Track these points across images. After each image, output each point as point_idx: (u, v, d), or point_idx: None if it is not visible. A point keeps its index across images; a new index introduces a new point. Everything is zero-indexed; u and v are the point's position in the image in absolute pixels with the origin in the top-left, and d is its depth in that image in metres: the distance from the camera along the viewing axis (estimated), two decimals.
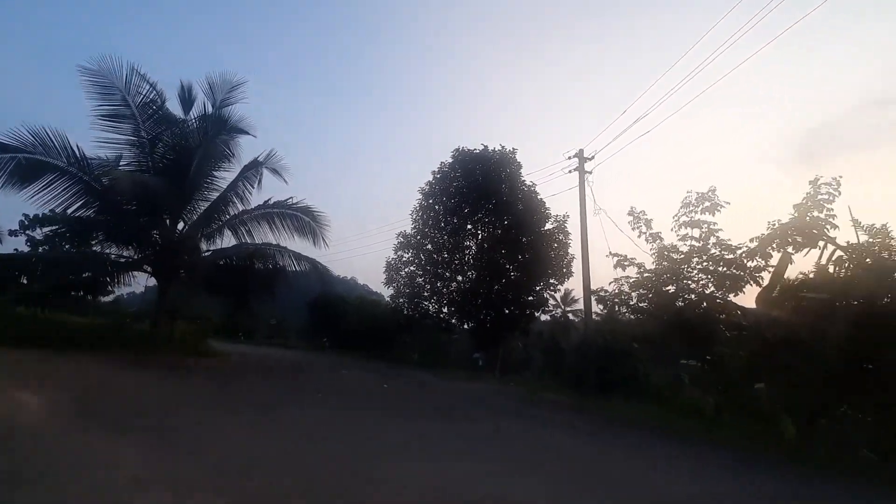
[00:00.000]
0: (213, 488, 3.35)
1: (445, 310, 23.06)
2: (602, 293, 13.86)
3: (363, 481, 3.92)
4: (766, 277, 10.31)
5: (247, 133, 14.72)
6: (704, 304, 11.12)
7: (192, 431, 5.05)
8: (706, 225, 11.23)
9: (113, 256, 14.13)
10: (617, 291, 13.00)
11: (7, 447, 3.82)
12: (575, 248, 20.83)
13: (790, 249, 9.69)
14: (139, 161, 13.74)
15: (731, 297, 10.85)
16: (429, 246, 22.79)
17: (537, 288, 21.32)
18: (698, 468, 6.47)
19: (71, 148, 12.10)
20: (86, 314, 19.70)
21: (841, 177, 9.33)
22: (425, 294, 23.18)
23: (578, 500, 4.25)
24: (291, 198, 14.36)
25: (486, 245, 21.56)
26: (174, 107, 14.00)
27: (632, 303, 12.74)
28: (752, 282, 10.60)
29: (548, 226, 21.23)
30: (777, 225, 9.85)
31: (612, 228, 20.42)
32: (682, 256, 11.48)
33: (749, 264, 10.54)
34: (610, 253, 12.76)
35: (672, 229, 11.77)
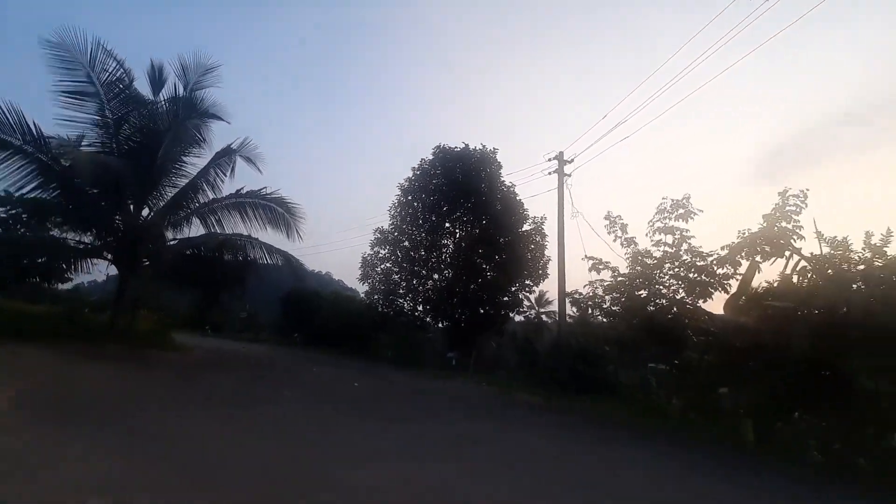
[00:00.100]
0: (161, 495, 3.12)
1: (420, 308, 22.91)
2: (576, 296, 13.96)
3: (327, 486, 3.74)
4: (734, 285, 10.57)
5: (220, 119, 14.20)
6: (675, 309, 11.32)
7: (145, 430, 4.77)
8: (679, 232, 11.42)
9: (72, 242, 13.41)
10: (591, 294, 13.11)
11: None
12: (551, 251, 21.02)
13: (758, 258, 9.94)
14: (103, 142, 13.10)
15: (701, 303, 11.07)
16: (406, 243, 22.57)
17: (513, 288, 21.39)
18: (661, 469, 6.53)
19: (27, 124, 11.40)
20: (41, 302, 18.72)
21: (808, 189, 9.64)
22: (401, 291, 22.96)
23: (546, 501, 4.19)
24: (265, 188, 13.93)
25: (463, 244, 21.48)
26: (143, 87, 13.42)
27: (605, 306, 12.86)
28: (720, 289, 10.84)
29: (525, 227, 21.31)
30: (747, 234, 10.09)
31: (588, 232, 20.59)
32: (655, 262, 11.65)
33: (718, 271, 10.77)
34: (586, 256, 12.86)
35: (647, 234, 11.94)
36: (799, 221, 9.56)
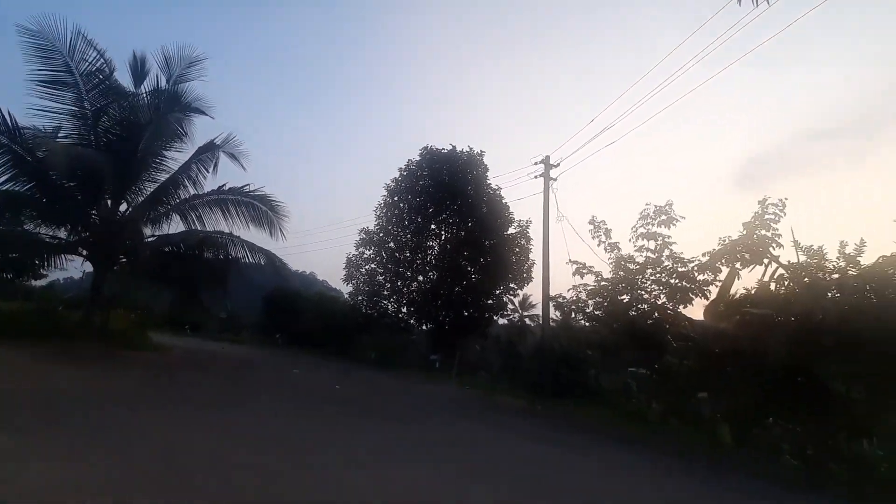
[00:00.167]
0: (119, 498, 2.98)
1: (405, 310, 22.81)
2: (560, 300, 14.04)
3: (297, 491, 3.64)
4: (713, 291, 10.74)
5: (204, 113, 13.89)
6: (656, 314, 11.46)
7: (112, 432, 4.60)
8: (661, 238, 11.58)
9: (46, 237, 12.97)
10: (575, 298, 13.20)
11: None
12: (536, 254, 21.16)
13: (738, 265, 10.12)
14: (80, 134, 12.73)
15: (681, 308, 11.23)
16: (391, 244, 22.46)
17: (497, 291, 21.43)
18: (638, 473, 6.58)
19: (0, 114, 11.03)
20: (14, 299, 18.08)
21: (787, 199, 9.87)
22: (385, 293, 22.83)
23: None
24: (248, 185, 13.69)
25: (448, 246, 21.46)
26: (125, 79, 13.08)
27: (588, 310, 12.96)
28: (700, 295, 11.01)
29: (511, 230, 21.40)
30: (727, 241, 10.27)
31: (573, 236, 20.81)
32: (638, 267, 11.78)
33: (699, 277, 10.93)
34: (570, 260, 12.95)
35: (630, 240, 12.08)
36: (777, 230, 9.79)
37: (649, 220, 11.71)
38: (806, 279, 8.85)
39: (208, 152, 13.78)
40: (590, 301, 12.78)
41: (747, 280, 10.27)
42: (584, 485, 5.35)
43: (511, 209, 21.46)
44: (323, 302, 29.65)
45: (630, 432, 9.99)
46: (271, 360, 18.54)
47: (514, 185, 66.96)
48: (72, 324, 12.92)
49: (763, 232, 9.83)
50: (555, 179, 15.54)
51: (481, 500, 4.14)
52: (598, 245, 12.61)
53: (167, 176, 13.51)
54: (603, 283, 12.35)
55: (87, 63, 12.12)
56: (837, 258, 8.59)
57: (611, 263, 12.39)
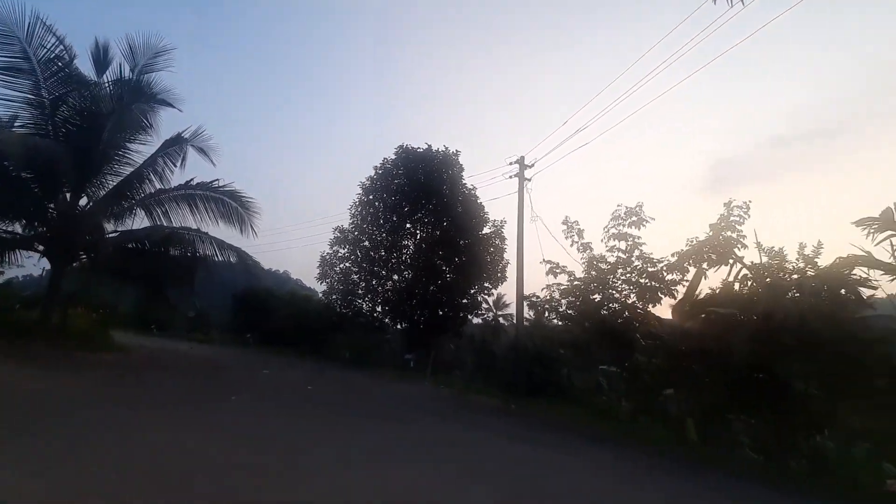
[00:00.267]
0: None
1: (379, 309, 22.64)
2: (534, 299, 14.17)
3: (256, 495, 3.51)
4: (681, 291, 11.03)
5: (171, 105, 13.40)
6: (626, 313, 11.69)
7: (62, 437, 4.36)
8: (632, 238, 11.81)
9: (1, 233, 12.26)
10: (548, 298, 13.34)
11: None
12: (510, 254, 21.31)
13: (705, 265, 10.41)
14: (37, 123, 12.11)
15: (651, 307, 11.48)
16: (366, 243, 22.26)
17: (472, 291, 21.49)
18: (621, 471, 6.68)
19: None
20: None
21: (751, 201, 10.24)
22: (360, 292, 22.61)
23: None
24: (217, 180, 13.25)
25: (423, 245, 21.40)
26: (86, 67, 12.49)
27: (561, 309, 13.12)
28: (668, 294, 11.28)
29: (486, 230, 21.49)
30: (695, 242, 10.55)
31: (546, 236, 21.04)
32: (609, 267, 11.99)
33: (667, 277, 11.20)
34: (544, 260, 13.10)
35: (602, 240, 12.29)
36: (742, 231, 10.11)
37: (620, 221, 11.93)
38: (768, 279, 9.16)
39: (176, 146, 13.31)
40: (563, 300, 12.95)
41: (713, 280, 10.59)
42: (566, 485, 5.34)
43: (486, 209, 21.62)
44: (295, 301, 29.16)
45: (602, 430, 10.16)
46: (241, 360, 18.08)
47: (489, 185, 67.40)
48: (28, 323, 12.27)
49: (728, 233, 10.14)
50: (529, 180, 15.68)
51: (459, 501, 4.10)
52: (571, 245, 12.80)
53: (131, 169, 12.98)
54: (576, 282, 12.53)
55: (45, 50, 11.55)
56: (797, 259, 8.94)
57: (583, 263, 12.58)
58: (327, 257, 23.06)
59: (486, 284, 21.66)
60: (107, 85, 12.78)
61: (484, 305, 23.60)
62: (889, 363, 7.40)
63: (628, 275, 11.73)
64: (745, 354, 7.98)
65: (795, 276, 8.77)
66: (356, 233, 22.38)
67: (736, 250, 9.99)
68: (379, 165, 22.04)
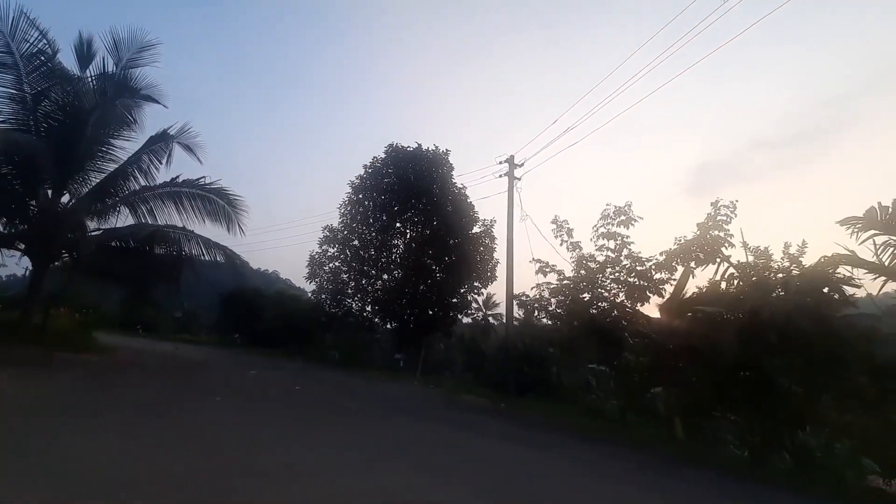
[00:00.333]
0: None
1: (369, 308, 22.53)
2: (523, 298, 14.20)
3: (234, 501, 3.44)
4: (669, 289, 11.12)
5: (156, 101, 13.13)
6: (615, 312, 11.76)
7: (35, 442, 4.23)
8: (621, 237, 11.89)
9: None
10: (538, 297, 13.37)
11: None
12: (500, 253, 21.35)
13: (692, 264, 10.52)
14: (18, 118, 11.79)
15: (639, 306, 11.56)
16: (356, 242, 22.13)
17: (462, 290, 21.46)
18: (597, 467, 6.70)
19: None
20: None
21: (737, 201, 10.35)
22: (349, 291, 22.48)
23: None
24: (204, 177, 13.03)
25: (413, 244, 21.34)
26: (69, 61, 12.22)
27: (550, 308, 13.16)
28: (656, 293, 11.37)
29: (475, 229, 21.48)
30: (683, 241, 10.65)
31: (536, 235, 21.13)
32: (598, 266, 12.05)
33: (655, 276, 11.29)
34: (533, 259, 13.12)
35: (591, 239, 12.35)
36: (729, 230, 10.23)
37: (609, 220, 12.01)
38: (754, 278, 9.28)
39: (161, 143, 13.07)
40: (552, 299, 12.99)
41: (701, 279, 10.70)
42: (555, 484, 5.32)
43: (476, 208, 21.59)
44: (284, 300, 28.89)
45: (591, 428, 10.20)
46: (227, 360, 17.83)
47: (478, 184, 67.60)
48: (9, 324, 11.96)
49: (715, 232, 10.25)
50: (519, 179, 15.71)
51: (446, 501, 4.06)
52: (561, 244, 12.85)
53: (115, 166, 12.71)
54: (565, 281, 12.57)
55: (28, 44, 11.26)
56: (782, 258, 9.07)
57: (572, 262, 12.63)
58: (316, 257, 22.92)
59: (475, 284, 21.66)
60: (90, 80, 12.50)
61: (474, 305, 23.64)
62: (871, 361, 7.53)
63: (617, 274, 11.81)
64: (731, 352, 8.06)
65: (781, 275, 8.89)
66: (346, 232, 22.24)
67: (723, 249, 10.10)
68: (368, 164, 21.93)
